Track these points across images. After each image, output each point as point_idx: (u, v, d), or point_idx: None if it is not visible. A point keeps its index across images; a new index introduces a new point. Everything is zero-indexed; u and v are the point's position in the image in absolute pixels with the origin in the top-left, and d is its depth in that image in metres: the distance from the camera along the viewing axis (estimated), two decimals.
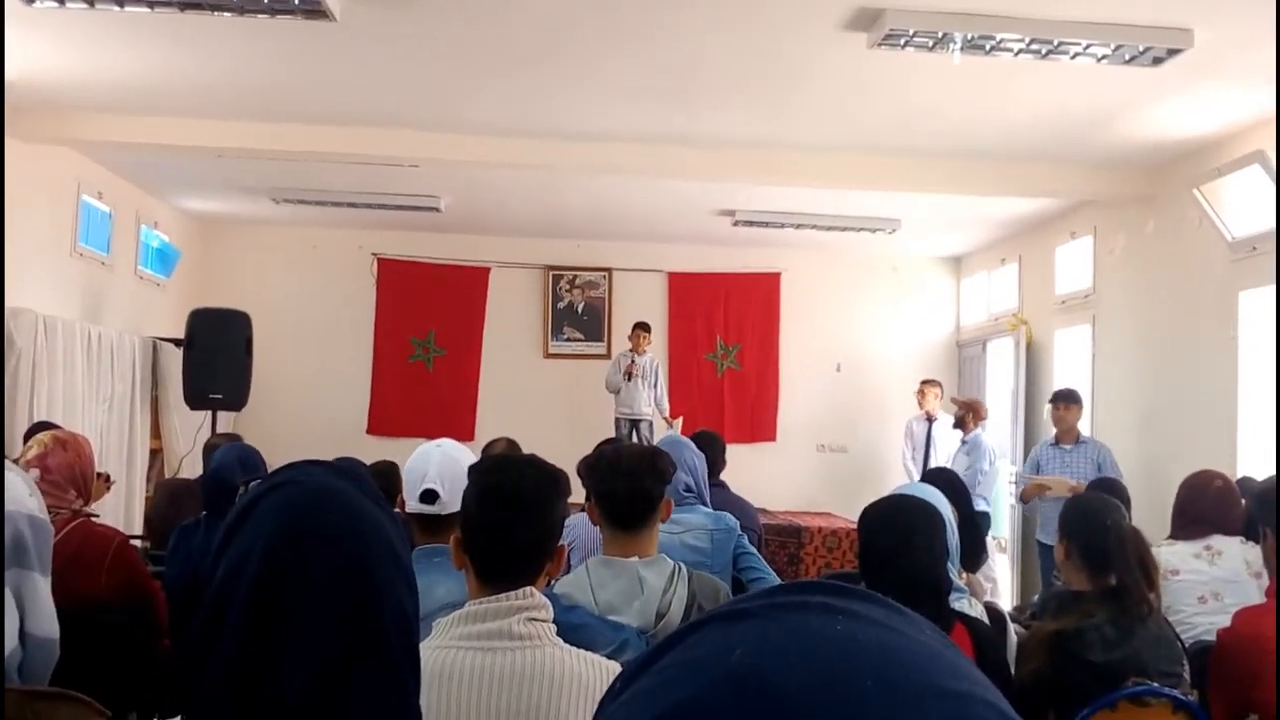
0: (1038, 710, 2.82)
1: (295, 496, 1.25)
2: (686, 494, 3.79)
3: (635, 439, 9.55)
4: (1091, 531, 3.05)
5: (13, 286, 6.96)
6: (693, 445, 4.13)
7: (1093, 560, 3.03)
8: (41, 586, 1.52)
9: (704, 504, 3.92)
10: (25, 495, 1.78)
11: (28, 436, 4.87)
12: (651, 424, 9.84)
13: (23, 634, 1.47)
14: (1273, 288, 6.03)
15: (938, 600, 2.63)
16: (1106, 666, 2.71)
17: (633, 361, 9.73)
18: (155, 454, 9.06)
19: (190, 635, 1.18)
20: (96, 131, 7.31)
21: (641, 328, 9.95)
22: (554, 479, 2.13)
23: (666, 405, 10.00)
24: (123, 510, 7.92)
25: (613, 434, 9.34)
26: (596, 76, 6.20)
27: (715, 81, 6.17)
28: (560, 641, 1.99)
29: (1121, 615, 2.78)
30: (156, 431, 9.07)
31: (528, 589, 1.99)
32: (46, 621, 1.55)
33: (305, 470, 1.31)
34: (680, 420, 9.84)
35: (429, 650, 1.92)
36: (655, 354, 10.19)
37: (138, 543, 5.40)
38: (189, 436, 8.72)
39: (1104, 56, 5.19)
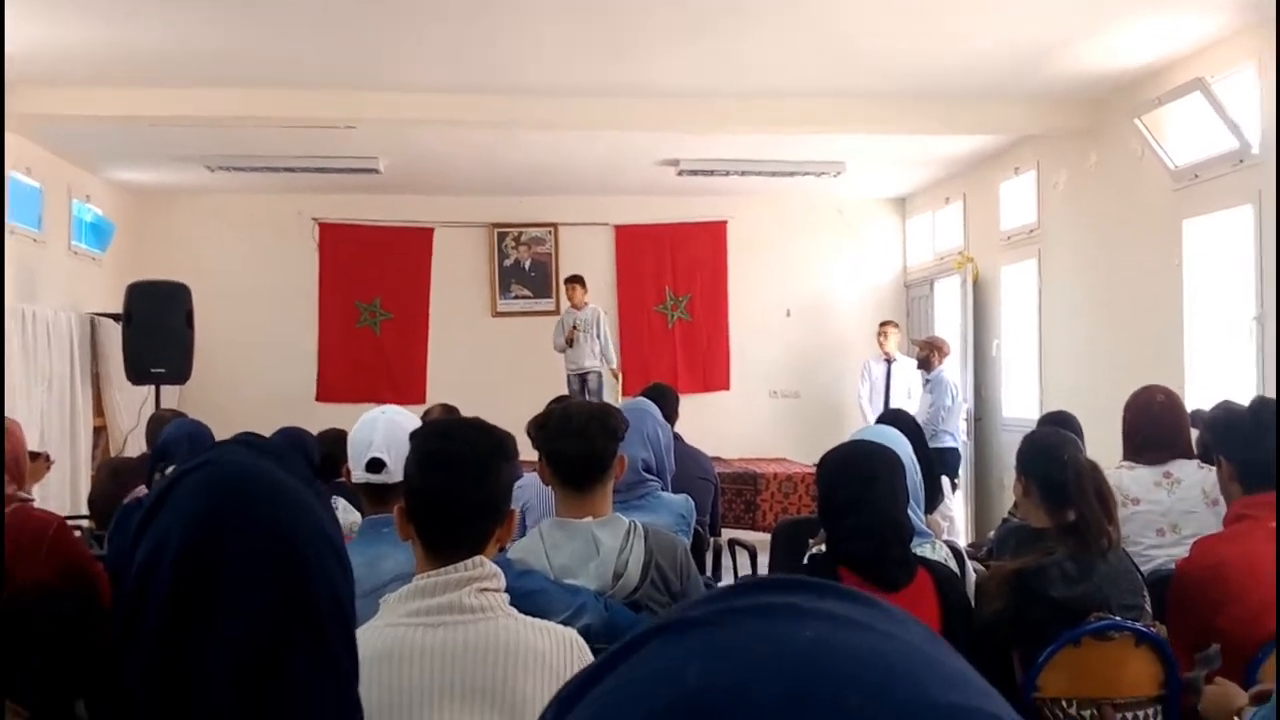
0: (1001, 650, 2.81)
1: (213, 478, 1.18)
2: (646, 474, 3.60)
3: (584, 393, 9.54)
4: (1049, 467, 3.02)
5: None
6: (658, 414, 3.89)
7: (1051, 496, 3.01)
8: None
9: (666, 487, 3.71)
10: None
11: None
12: (601, 375, 9.83)
13: None
14: (1217, 215, 6.05)
15: (902, 547, 2.60)
16: (1068, 603, 2.70)
17: (574, 326, 9.73)
18: (99, 431, 8.89)
19: (111, 625, 1.12)
20: (21, 105, 7.06)
21: (575, 281, 9.92)
22: (498, 441, 2.05)
23: (613, 356, 9.98)
24: (68, 490, 7.78)
25: (616, 391, 9.37)
26: (533, 27, 6.07)
27: (653, 27, 6.07)
28: (514, 612, 1.93)
29: (1082, 550, 2.77)
30: (100, 409, 8.89)
31: (477, 558, 1.92)
32: None
33: (227, 449, 1.25)
34: (619, 376, 9.84)
35: (377, 629, 1.85)
36: (599, 305, 10.11)
37: (85, 523, 5.29)
38: (132, 412, 8.55)
39: None
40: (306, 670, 1.09)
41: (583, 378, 9.76)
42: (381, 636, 1.84)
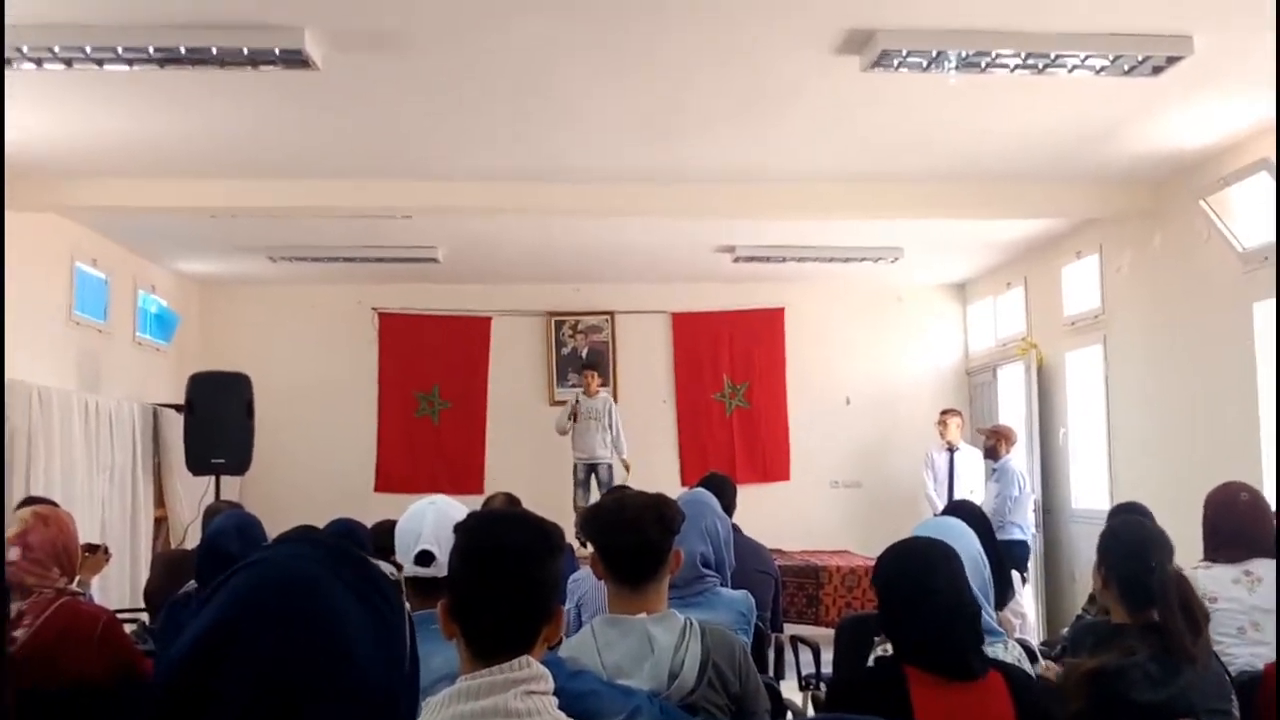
0: None
1: (252, 582, 1.12)
2: (705, 569, 3.47)
3: (594, 481, 9.49)
4: (1133, 566, 2.85)
5: (8, 358, 6.85)
6: (716, 506, 3.78)
7: (1133, 595, 2.84)
8: None
9: (725, 582, 3.58)
10: None
11: None
12: (610, 467, 9.78)
13: None
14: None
15: (970, 629, 2.45)
16: (1152, 707, 2.53)
17: (577, 402, 9.73)
18: (160, 522, 8.91)
19: None
20: (86, 197, 7.24)
21: (591, 368, 10.05)
22: (544, 534, 1.96)
23: (624, 447, 9.90)
24: (129, 582, 7.77)
25: (625, 483, 9.25)
26: (583, 116, 6.11)
27: (705, 114, 6.08)
28: (562, 717, 1.83)
29: (1165, 652, 2.59)
30: (161, 499, 8.93)
31: (524, 659, 1.83)
32: None
33: (283, 549, 1.18)
34: (633, 466, 9.75)
35: None
36: (657, 396, 10.06)
37: (143, 616, 5.26)
38: (193, 503, 8.56)
39: (1102, 68, 5.07)
40: None
41: (592, 468, 9.75)
42: None
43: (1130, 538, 3.02)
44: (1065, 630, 4.88)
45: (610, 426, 9.82)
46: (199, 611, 1.12)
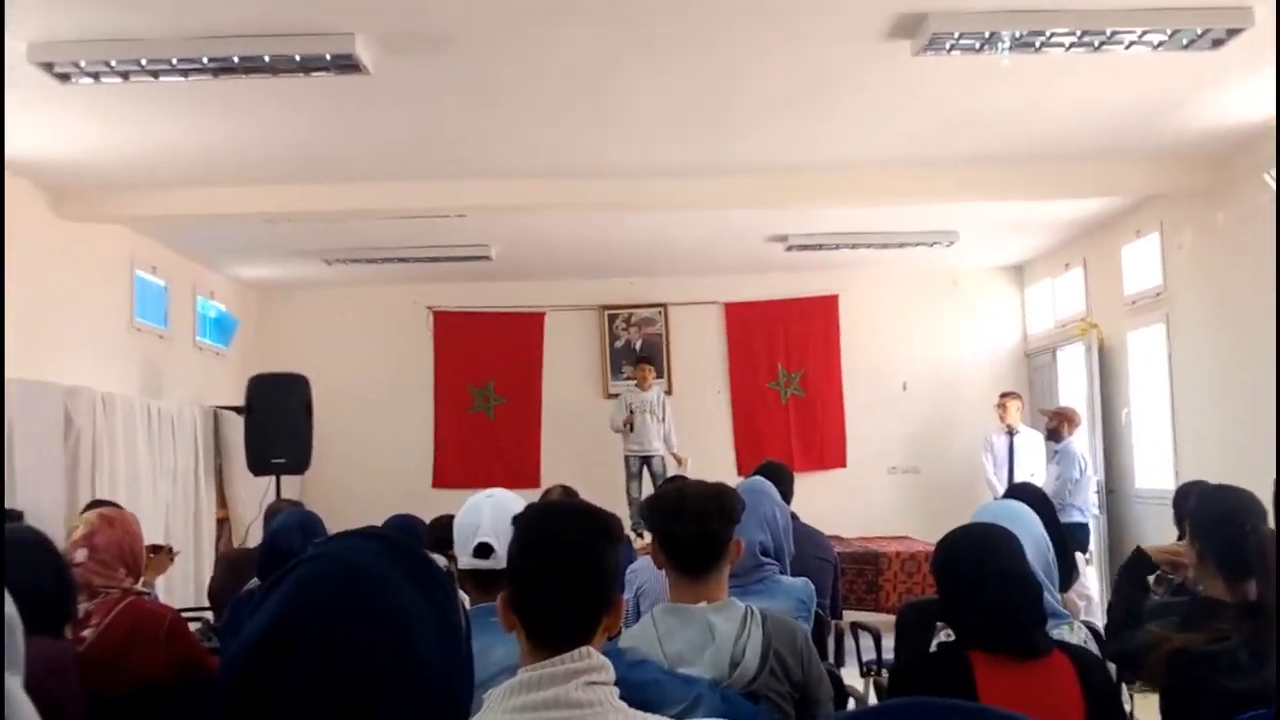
0: None
1: (313, 575, 1.12)
2: (764, 558, 3.46)
3: (647, 474, 9.49)
4: (1228, 535, 2.75)
5: (71, 365, 6.99)
6: (775, 495, 3.76)
7: (1230, 566, 2.74)
8: (15, 688, 1.40)
9: (784, 570, 3.57)
10: None
11: None
12: (663, 459, 9.80)
13: None
14: None
15: (1034, 606, 2.41)
16: (1236, 696, 2.44)
17: (631, 412, 9.74)
18: (223, 523, 9.05)
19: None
20: (144, 207, 7.36)
21: (646, 362, 10.06)
22: (603, 524, 1.95)
23: (675, 440, 9.91)
24: (192, 582, 7.89)
25: (680, 472, 9.24)
26: (633, 111, 6.10)
27: (756, 104, 6.04)
28: (624, 707, 1.81)
29: (1260, 637, 2.47)
30: (223, 500, 9.06)
31: (584, 649, 1.82)
32: None
33: (343, 543, 1.19)
34: (689, 459, 9.69)
35: None
36: (711, 387, 10.02)
37: (209, 615, 5.34)
38: (254, 503, 8.67)
39: (1160, 43, 4.97)
40: None
41: (645, 460, 9.75)
42: None
43: (1223, 504, 2.92)
44: None
45: (664, 420, 9.81)
46: (260, 605, 1.13)
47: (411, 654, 1.07)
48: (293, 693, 1.02)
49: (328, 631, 1.05)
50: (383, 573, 1.12)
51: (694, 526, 2.60)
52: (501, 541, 2.64)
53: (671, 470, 9.53)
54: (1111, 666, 3.00)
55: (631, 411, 9.75)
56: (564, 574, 1.86)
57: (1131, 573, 3.36)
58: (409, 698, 1.05)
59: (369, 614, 1.08)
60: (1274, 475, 3.96)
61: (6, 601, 1.34)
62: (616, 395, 10.72)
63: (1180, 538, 4.80)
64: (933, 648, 2.68)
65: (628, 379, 10.81)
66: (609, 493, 8.59)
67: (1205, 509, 2.93)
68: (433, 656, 1.08)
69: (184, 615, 4.07)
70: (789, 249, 9.60)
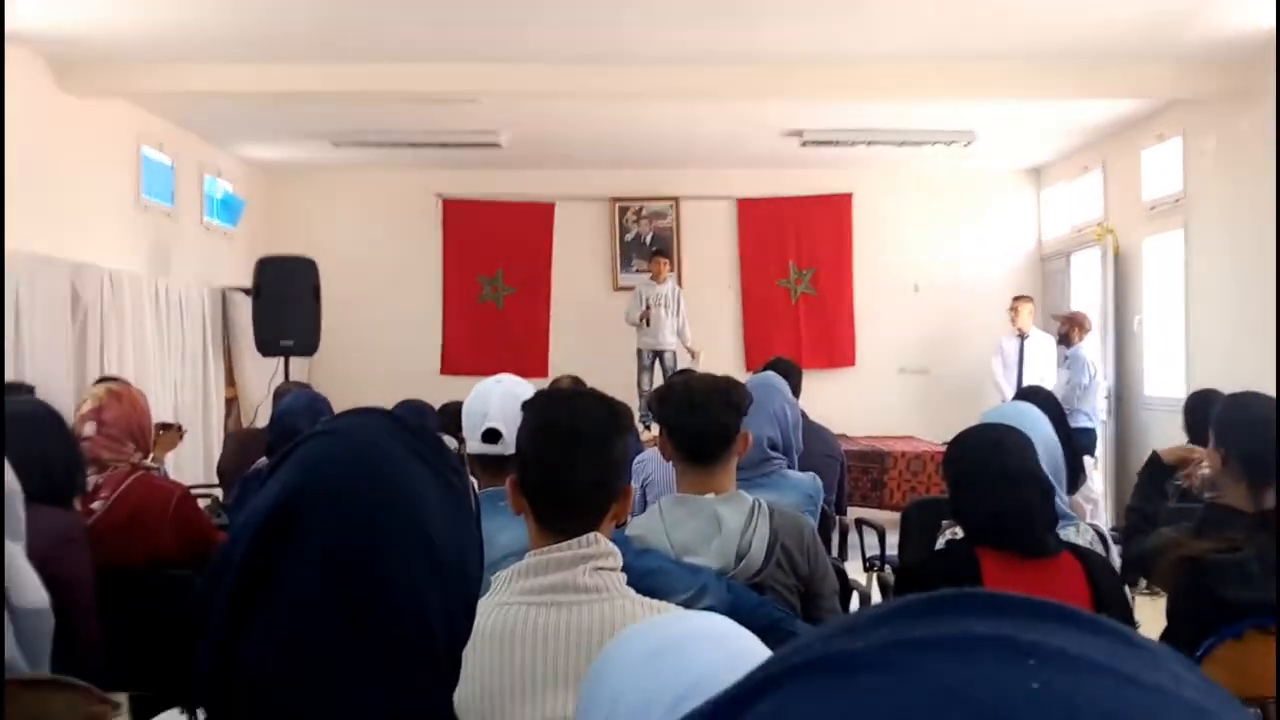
0: (1171, 633, 2.58)
1: (322, 449, 1.09)
2: (772, 452, 3.43)
3: (659, 368, 9.46)
4: (1256, 441, 2.70)
5: (78, 241, 6.95)
6: (786, 390, 3.73)
7: (1256, 471, 2.70)
8: (16, 554, 1.39)
9: (792, 465, 3.54)
10: None
11: None
12: (675, 355, 9.73)
13: (10, 609, 1.35)
14: None
15: (1045, 501, 2.40)
16: (1242, 605, 2.44)
17: (647, 307, 9.65)
18: (231, 402, 9.09)
19: (192, 593, 1.06)
20: (151, 82, 7.24)
21: (662, 254, 9.94)
22: (614, 412, 1.93)
23: (689, 335, 9.85)
24: (202, 460, 7.95)
25: (691, 366, 9.24)
26: None
27: None
28: (631, 593, 1.81)
29: (1271, 550, 2.45)
30: (232, 380, 9.09)
31: (592, 535, 1.81)
32: (31, 591, 1.42)
33: (352, 419, 1.16)
34: (702, 353, 9.65)
35: (488, 607, 1.76)
36: (722, 282, 9.96)
37: (218, 492, 5.38)
38: (262, 384, 8.70)
39: None
40: (366, 674, 1.00)
41: (658, 354, 9.70)
42: (492, 617, 1.75)
43: (1252, 409, 2.88)
44: None
45: (678, 313, 9.77)
46: (269, 479, 1.11)
47: (420, 527, 1.05)
48: (300, 563, 1.00)
49: (336, 502, 1.04)
50: (391, 448, 1.10)
51: (702, 418, 2.58)
52: (509, 427, 2.62)
53: (684, 364, 9.50)
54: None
55: (648, 305, 9.68)
56: (573, 460, 1.85)
57: (1149, 478, 3.34)
58: (415, 567, 1.03)
59: (378, 485, 1.06)
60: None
61: (6, 471, 1.33)
62: (626, 289, 10.66)
63: (1190, 444, 4.81)
64: (939, 545, 2.68)
65: (638, 272, 10.74)
66: (617, 385, 8.58)
67: (1232, 413, 2.89)
68: (442, 531, 1.07)
69: (193, 492, 4.10)
70: (804, 144, 9.46)
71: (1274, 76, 6.42)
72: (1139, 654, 0.34)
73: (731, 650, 1.03)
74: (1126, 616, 2.42)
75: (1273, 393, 3.89)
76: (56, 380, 6.17)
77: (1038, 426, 2.92)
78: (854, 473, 7.78)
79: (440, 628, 1.05)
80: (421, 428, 1.19)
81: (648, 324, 9.66)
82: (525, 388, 2.70)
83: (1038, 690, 0.30)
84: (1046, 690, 0.30)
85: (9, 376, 5.61)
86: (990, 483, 2.37)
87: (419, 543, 1.05)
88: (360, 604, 1.01)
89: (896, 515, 5.06)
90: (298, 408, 4.00)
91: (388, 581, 1.02)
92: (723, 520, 2.49)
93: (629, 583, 1.87)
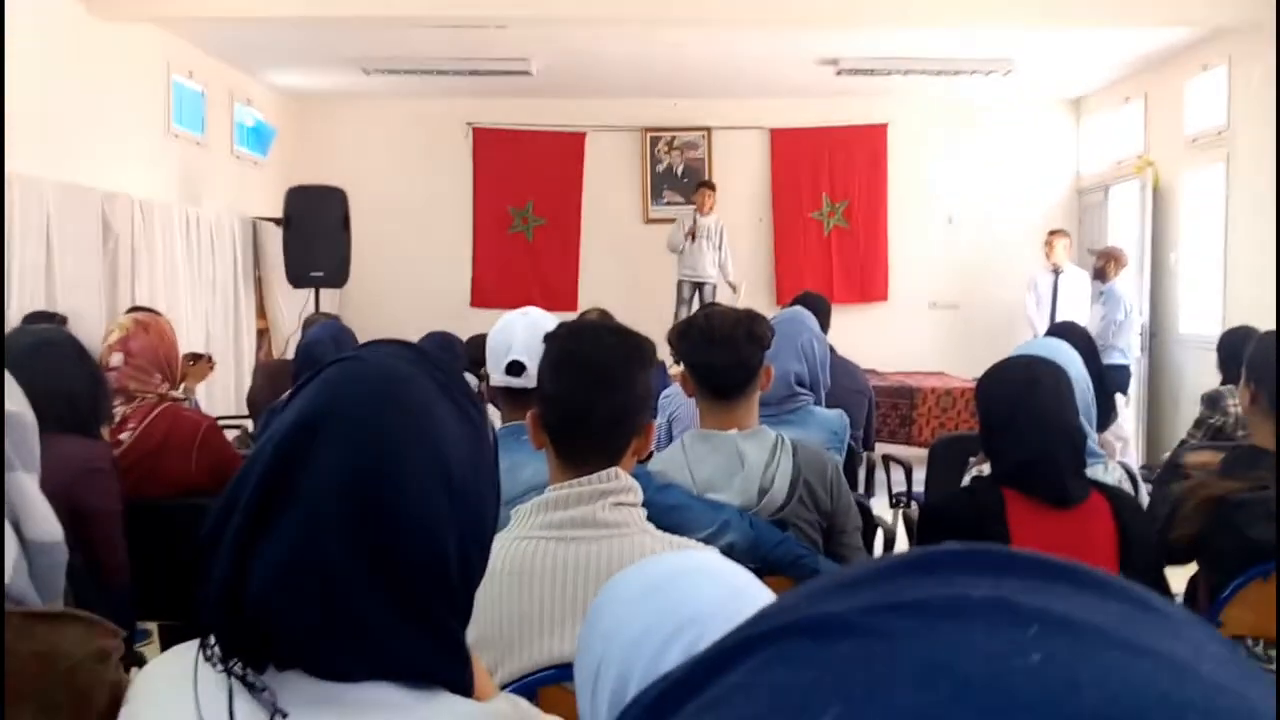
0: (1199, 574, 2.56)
1: (344, 373, 1.09)
2: (799, 388, 3.40)
3: (698, 301, 9.38)
4: None
5: (108, 170, 6.95)
6: (815, 326, 3.69)
7: None
8: (29, 485, 1.39)
9: (819, 401, 3.51)
10: None
11: None
12: (715, 288, 9.64)
13: (22, 541, 1.35)
14: None
15: (1074, 453, 2.37)
16: (1264, 545, 2.41)
17: (695, 221, 9.51)
18: (263, 334, 9.13)
19: (208, 518, 1.06)
20: (181, 6, 7.19)
21: (707, 186, 9.78)
22: (637, 346, 1.91)
23: (731, 269, 9.77)
24: (233, 391, 8.01)
25: (733, 300, 9.21)
26: None
27: None
28: (651, 528, 1.81)
29: None
30: (263, 311, 9.12)
31: (613, 470, 1.81)
32: (43, 524, 1.43)
33: (375, 348, 1.16)
34: (744, 285, 9.58)
35: (507, 541, 1.76)
36: (754, 215, 9.86)
37: (249, 423, 5.42)
38: (293, 315, 8.73)
39: None
40: (378, 610, 1.00)
41: (698, 286, 9.60)
42: (511, 550, 1.75)
43: None
44: (1167, 455, 4.76)
45: (720, 247, 9.68)
46: (290, 402, 1.11)
47: (438, 454, 1.05)
48: (317, 482, 1.01)
49: (354, 423, 1.04)
50: (412, 376, 1.10)
51: (724, 352, 2.56)
52: (533, 360, 2.61)
53: (725, 298, 9.42)
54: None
55: (695, 221, 9.53)
56: (594, 394, 1.83)
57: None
58: (434, 496, 1.03)
59: (397, 407, 1.06)
60: None
61: (20, 400, 1.33)
62: (657, 220, 10.58)
63: (1224, 382, 4.75)
64: (965, 482, 2.66)
65: (669, 204, 10.65)
66: (647, 318, 8.46)
67: (1264, 351, 2.83)
68: (460, 461, 1.07)
69: (224, 424, 4.12)
70: (839, 73, 9.30)
71: None
72: (1156, 620, 0.31)
73: (729, 586, 1.03)
74: (1154, 560, 2.39)
75: None
76: (88, 309, 6.21)
77: (1071, 364, 2.88)
78: (883, 409, 7.75)
79: (454, 555, 1.05)
80: (442, 361, 1.19)
81: (693, 240, 9.54)
82: (550, 320, 2.68)
83: (1038, 663, 0.27)
84: (1048, 663, 0.27)
85: (42, 305, 5.64)
86: (1023, 427, 2.33)
87: (436, 469, 1.05)
88: (374, 526, 1.01)
89: (924, 452, 5.03)
90: (323, 338, 4.01)
91: (402, 503, 1.02)
92: (745, 456, 2.47)
93: (650, 518, 1.86)
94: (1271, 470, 2.49)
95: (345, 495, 1.00)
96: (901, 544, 4.39)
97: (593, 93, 10.44)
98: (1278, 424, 2.63)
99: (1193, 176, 8.63)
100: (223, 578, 1.00)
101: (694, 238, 9.50)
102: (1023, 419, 2.33)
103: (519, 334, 2.69)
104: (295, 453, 1.02)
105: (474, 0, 7.17)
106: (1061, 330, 3.99)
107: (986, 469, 2.54)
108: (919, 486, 4.85)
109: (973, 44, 8.48)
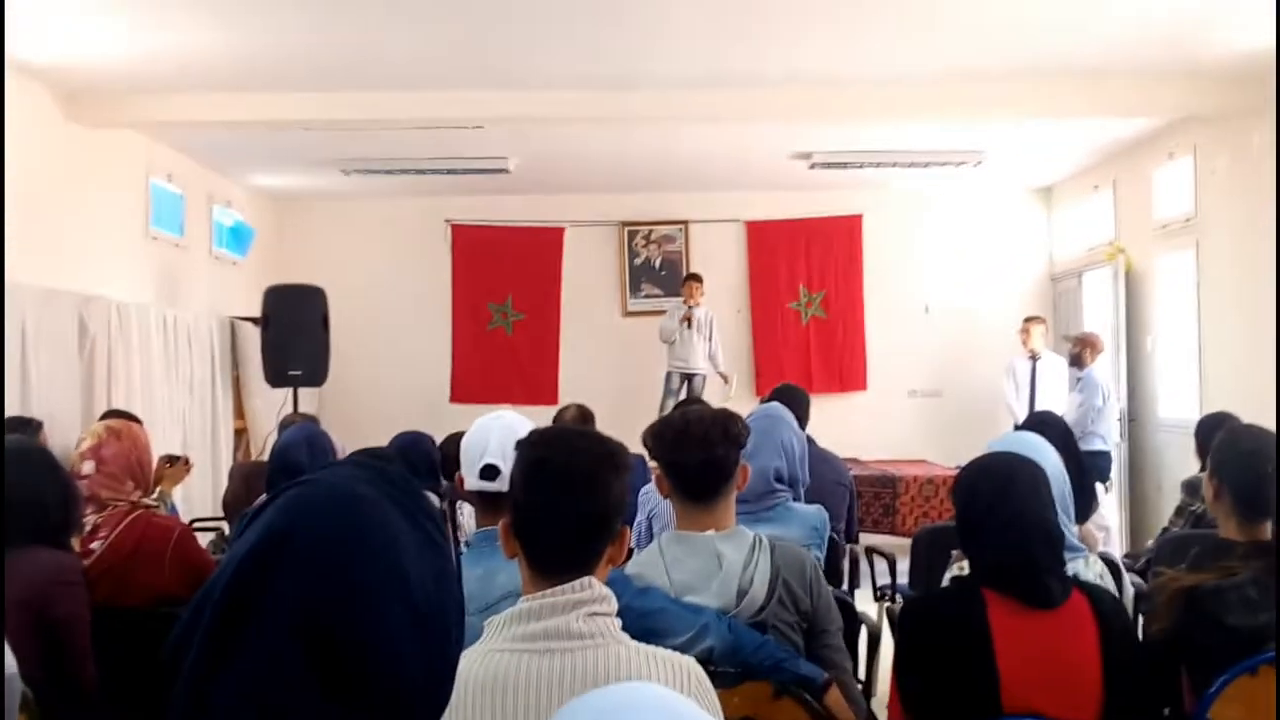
0: (1167, 671, 2.54)
1: (303, 496, 1.08)
2: (778, 484, 3.40)
3: (686, 392, 9.39)
4: (1250, 472, 2.69)
5: (86, 274, 6.96)
6: (793, 421, 3.69)
7: (1247, 507, 2.68)
8: None
9: (799, 497, 3.52)
10: None
11: None
12: (705, 379, 9.68)
13: None
14: None
15: (1052, 552, 2.34)
16: (1243, 632, 2.40)
17: (689, 310, 9.56)
18: (240, 434, 9.07)
19: (170, 640, 1.04)
20: (159, 112, 7.25)
21: (694, 279, 9.83)
22: (610, 453, 1.89)
23: (721, 360, 9.80)
24: (210, 493, 7.92)
25: (725, 391, 9.26)
26: (658, 20, 5.93)
27: (782, 14, 5.86)
28: (626, 639, 1.78)
29: (1268, 574, 2.44)
30: (240, 411, 9.07)
31: (587, 579, 1.78)
32: None
33: (336, 469, 1.15)
34: (735, 378, 9.61)
35: (480, 655, 1.73)
36: (731, 304, 9.92)
37: (226, 526, 5.36)
38: (271, 415, 8.65)
39: None
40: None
41: (688, 377, 9.63)
42: (484, 664, 1.72)
43: (1247, 443, 2.85)
44: (1150, 542, 4.75)
45: (710, 338, 9.72)
46: (251, 523, 1.10)
47: (395, 570, 1.04)
48: (276, 610, 0.99)
49: (314, 548, 1.02)
50: (367, 496, 1.09)
51: (700, 453, 2.54)
52: (508, 463, 2.58)
53: (715, 389, 9.41)
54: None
55: (690, 310, 9.55)
56: (566, 503, 1.81)
57: None
58: (392, 615, 1.01)
59: (353, 531, 1.04)
60: None
61: None
62: (636, 313, 10.64)
63: (1202, 469, 4.75)
64: (946, 581, 2.63)
65: (647, 297, 10.72)
66: (629, 412, 8.51)
67: (1228, 446, 2.86)
68: (417, 576, 1.05)
69: (201, 526, 4.08)
70: (813, 167, 9.43)
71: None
72: None
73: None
74: (1135, 658, 2.37)
75: None
76: (64, 413, 6.17)
77: (1043, 457, 2.87)
78: (865, 498, 7.73)
79: (419, 683, 1.03)
80: (400, 477, 1.18)
81: (689, 325, 9.56)
82: (523, 424, 2.67)
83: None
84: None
85: (17, 411, 5.60)
86: (999, 529, 2.31)
87: (398, 594, 1.03)
88: (334, 657, 0.99)
89: (909, 541, 5.01)
90: (298, 441, 3.97)
91: (364, 631, 1.00)
92: (723, 558, 2.45)
93: (628, 623, 1.84)
94: (1237, 558, 2.49)
95: (303, 628, 0.98)
96: (886, 641, 4.34)
97: (570, 188, 10.56)
98: (1276, 520, 2.65)
99: (1164, 261, 8.74)
100: (183, 708, 0.98)
101: (690, 323, 9.54)
102: (998, 521, 2.31)
103: (493, 437, 2.68)
104: (253, 580, 1.00)
105: (450, 102, 7.26)
106: (1037, 421, 3.99)
107: (967, 566, 2.52)
108: (903, 578, 4.82)
109: (944, 136, 8.63)
